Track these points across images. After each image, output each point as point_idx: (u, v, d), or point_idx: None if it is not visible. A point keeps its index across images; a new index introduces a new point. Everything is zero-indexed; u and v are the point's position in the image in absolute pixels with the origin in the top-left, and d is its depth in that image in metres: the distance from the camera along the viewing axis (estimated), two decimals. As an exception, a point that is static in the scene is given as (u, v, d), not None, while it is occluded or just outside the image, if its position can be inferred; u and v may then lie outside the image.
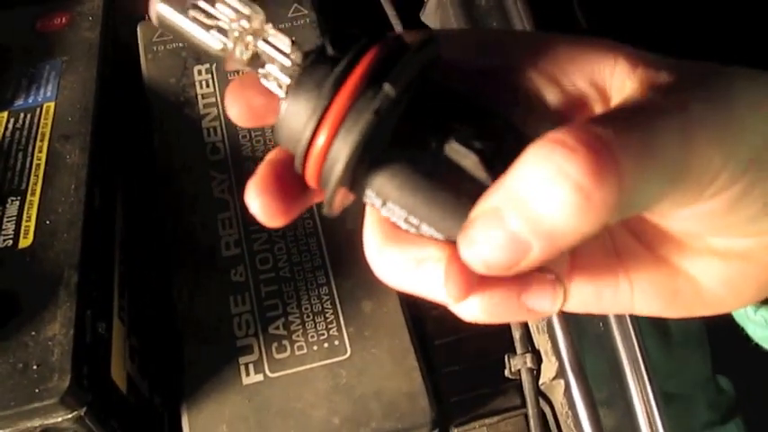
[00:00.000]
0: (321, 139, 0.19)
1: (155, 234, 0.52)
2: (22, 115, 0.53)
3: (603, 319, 0.42)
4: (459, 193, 0.20)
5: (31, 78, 0.55)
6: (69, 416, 0.38)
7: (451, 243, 0.21)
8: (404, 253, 0.22)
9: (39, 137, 0.51)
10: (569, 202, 0.18)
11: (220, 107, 0.56)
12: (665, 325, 0.50)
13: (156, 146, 0.54)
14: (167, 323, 0.49)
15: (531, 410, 0.44)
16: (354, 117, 0.19)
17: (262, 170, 0.23)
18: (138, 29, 0.61)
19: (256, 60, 0.21)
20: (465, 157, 0.20)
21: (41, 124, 0.52)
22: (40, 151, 0.50)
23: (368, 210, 0.24)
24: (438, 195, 0.20)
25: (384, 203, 0.21)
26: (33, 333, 0.40)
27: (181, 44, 0.59)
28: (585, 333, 0.42)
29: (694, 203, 0.22)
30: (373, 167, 0.20)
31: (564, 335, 0.42)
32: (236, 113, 0.23)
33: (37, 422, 0.38)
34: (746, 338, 0.32)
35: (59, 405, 0.37)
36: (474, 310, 0.22)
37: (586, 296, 0.25)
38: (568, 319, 0.42)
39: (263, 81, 0.21)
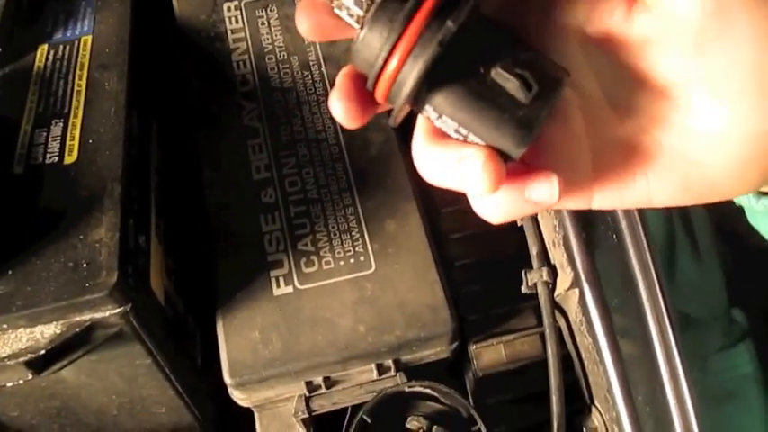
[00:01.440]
0: (393, 64, 0.24)
1: (188, 162, 0.55)
2: (61, 47, 0.55)
3: (617, 231, 0.44)
4: (502, 110, 0.24)
5: (67, 14, 0.58)
6: (116, 311, 0.41)
7: (490, 147, 0.25)
8: (448, 152, 0.26)
9: (78, 66, 0.53)
10: None
11: (249, 41, 0.59)
12: (699, 251, 0.52)
13: (188, 78, 0.57)
14: (201, 242, 0.52)
15: (546, 321, 0.46)
16: (422, 46, 0.23)
17: (340, 81, 0.26)
18: (169, -32, 0.63)
19: None
20: (507, 81, 0.24)
21: (80, 55, 0.54)
22: (80, 79, 0.52)
23: (419, 120, 0.27)
24: (485, 112, 0.25)
25: (440, 117, 0.25)
26: (81, 236, 0.42)
27: (210, -17, 0.61)
28: (599, 246, 0.44)
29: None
30: (433, 88, 0.25)
31: (578, 246, 0.44)
32: (306, 29, 0.27)
33: (87, 315, 0.41)
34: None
35: (107, 299, 0.40)
36: (491, 205, 0.27)
37: (609, 194, 0.28)
38: (583, 232, 0.44)
39: (336, 11, 0.25)
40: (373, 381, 0.49)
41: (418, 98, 0.25)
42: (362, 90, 0.26)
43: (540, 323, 0.51)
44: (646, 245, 0.43)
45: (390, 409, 0.44)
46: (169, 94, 0.59)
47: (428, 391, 0.46)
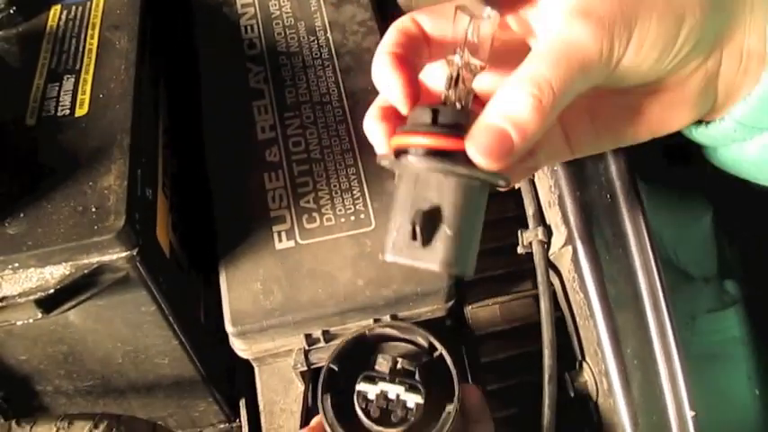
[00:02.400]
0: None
1: (195, 122, 0.56)
2: (73, 8, 0.56)
3: (611, 192, 0.45)
4: None
5: (80, -23, 0.59)
6: (123, 254, 0.42)
7: None
8: None
9: (90, 26, 0.55)
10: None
11: (257, 7, 0.60)
12: (703, 220, 0.53)
13: (198, 41, 0.58)
14: (206, 200, 0.53)
15: (540, 278, 0.47)
16: None
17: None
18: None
19: None
20: None
21: (92, 15, 0.56)
22: (92, 38, 0.54)
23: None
24: None
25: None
26: (91, 183, 0.44)
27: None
28: (593, 206, 0.45)
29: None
30: None
31: (573, 205, 0.45)
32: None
33: (94, 258, 0.42)
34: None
35: (114, 241, 0.41)
36: None
37: (584, 150, 0.35)
38: (578, 192, 0.46)
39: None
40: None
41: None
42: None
43: (536, 286, 0.52)
44: (638, 204, 0.44)
45: (357, 354, 0.45)
46: (179, 56, 0.61)
47: (388, 330, 0.47)
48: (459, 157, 0.29)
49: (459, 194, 0.30)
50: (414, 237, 0.29)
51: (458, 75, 0.31)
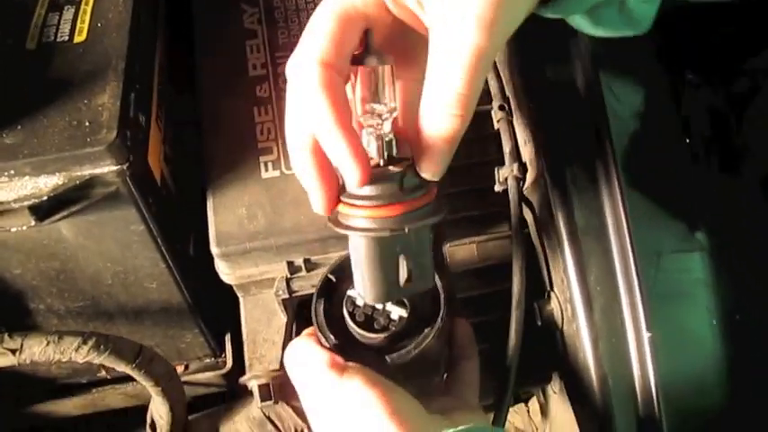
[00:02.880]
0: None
1: (190, 60, 0.58)
2: (76, -54, 0.58)
3: (582, 128, 0.47)
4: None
5: None
6: (114, 168, 0.44)
7: None
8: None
9: (91, -38, 0.57)
10: None
11: (253, -48, 0.62)
12: None
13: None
14: (196, 131, 0.55)
15: (513, 211, 0.49)
16: None
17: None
18: None
19: None
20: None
21: (94, -48, 0.57)
22: (93, -27, 0.56)
23: None
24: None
25: None
26: (86, 101, 0.46)
27: None
28: (565, 141, 0.47)
29: None
30: None
31: (546, 140, 0.47)
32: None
33: (87, 171, 0.44)
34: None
35: (106, 153, 0.44)
36: None
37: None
38: (550, 128, 0.48)
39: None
40: (351, 266, 0.52)
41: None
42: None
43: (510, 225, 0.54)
44: (608, 142, 0.46)
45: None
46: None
47: None
48: (410, 215, 0.35)
49: (420, 240, 0.37)
50: (395, 282, 0.37)
51: (380, 140, 0.36)
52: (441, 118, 0.33)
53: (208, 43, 0.57)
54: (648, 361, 0.42)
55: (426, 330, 0.42)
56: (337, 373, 0.38)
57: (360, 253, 0.37)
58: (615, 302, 0.44)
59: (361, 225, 0.35)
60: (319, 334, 0.42)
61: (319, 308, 0.43)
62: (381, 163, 0.36)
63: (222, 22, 0.58)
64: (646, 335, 0.42)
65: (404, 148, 0.36)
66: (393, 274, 0.37)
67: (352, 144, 0.33)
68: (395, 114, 0.37)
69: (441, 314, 0.42)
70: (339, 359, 0.39)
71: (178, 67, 0.62)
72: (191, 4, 0.61)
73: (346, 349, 0.41)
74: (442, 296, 0.43)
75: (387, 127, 0.36)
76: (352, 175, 0.34)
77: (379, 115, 0.36)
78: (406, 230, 0.35)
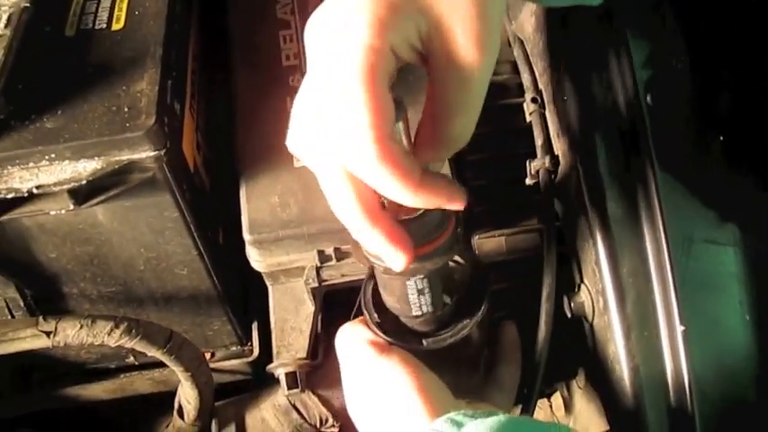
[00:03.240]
0: None
1: (225, 50, 0.59)
2: (113, -64, 0.59)
3: (618, 121, 0.46)
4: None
5: None
6: (152, 154, 0.45)
7: None
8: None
9: (128, -48, 0.57)
10: None
11: (287, -56, 0.62)
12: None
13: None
14: (227, 121, 0.56)
15: (544, 203, 0.49)
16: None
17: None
18: None
19: None
20: None
21: (131, -57, 0.58)
22: (130, -38, 0.56)
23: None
24: None
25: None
26: (124, 87, 0.47)
27: None
28: (599, 134, 0.47)
29: None
30: None
31: (580, 133, 0.47)
32: None
33: (125, 155, 0.45)
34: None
35: (144, 138, 0.44)
36: None
37: None
38: (584, 121, 0.47)
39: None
40: (381, 256, 0.53)
41: None
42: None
43: (542, 222, 0.54)
44: (644, 130, 0.46)
45: None
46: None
47: None
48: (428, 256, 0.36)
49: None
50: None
51: None
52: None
53: (241, 34, 0.58)
54: (682, 354, 0.42)
55: (465, 321, 0.42)
56: (377, 350, 0.40)
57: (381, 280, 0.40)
58: (648, 294, 0.44)
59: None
60: (366, 313, 0.43)
61: (368, 288, 0.44)
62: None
63: (256, 12, 0.59)
64: (679, 328, 0.42)
65: None
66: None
67: (391, 235, 0.33)
68: None
69: (482, 308, 0.42)
70: (380, 339, 0.41)
71: (210, 57, 0.62)
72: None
73: (388, 329, 0.41)
74: (487, 291, 0.43)
75: None
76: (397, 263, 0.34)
77: None
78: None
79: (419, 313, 0.39)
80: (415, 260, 0.34)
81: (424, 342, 0.41)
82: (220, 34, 0.61)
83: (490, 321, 0.46)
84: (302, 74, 0.55)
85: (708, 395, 0.42)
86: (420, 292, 0.38)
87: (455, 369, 0.42)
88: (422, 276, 0.37)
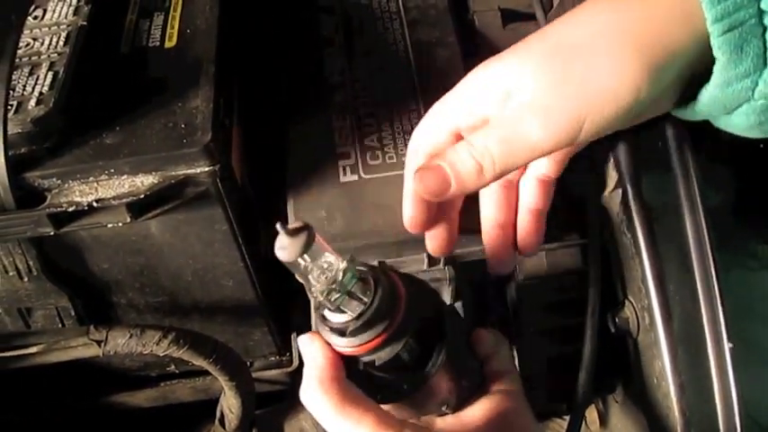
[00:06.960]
0: None
1: (269, 64, 0.60)
2: (162, -46, 0.61)
3: (662, 138, 0.47)
4: None
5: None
6: (207, 169, 0.46)
7: None
8: None
9: (177, -29, 0.59)
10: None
11: (330, -39, 0.64)
12: None
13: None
14: (276, 134, 0.57)
15: (590, 220, 0.50)
16: None
17: None
18: None
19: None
20: None
21: (181, -39, 0.60)
22: (179, -19, 0.58)
23: None
24: None
25: None
26: (180, 104, 0.48)
27: None
28: (644, 150, 0.48)
29: None
30: None
31: (625, 148, 0.48)
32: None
33: (181, 171, 0.46)
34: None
35: (200, 154, 0.45)
36: None
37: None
38: (631, 135, 0.48)
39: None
40: (423, 271, 0.53)
41: None
42: None
43: (583, 237, 0.55)
44: (689, 152, 0.47)
45: None
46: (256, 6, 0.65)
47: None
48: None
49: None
50: None
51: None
52: (465, 154, 0.38)
53: (286, 51, 0.59)
54: (729, 372, 0.43)
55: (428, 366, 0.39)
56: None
57: None
58: (695, 311, 0.44)
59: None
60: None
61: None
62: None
63: (300, 30, 0.60)
64: (727, 345, 0.43)
65: None
66: None
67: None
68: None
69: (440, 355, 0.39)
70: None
71: (253, 74, 0.64)
72: (267, 11, 0.63)
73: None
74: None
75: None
76: None
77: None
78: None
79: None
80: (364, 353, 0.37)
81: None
82: (262, 47, 0.63)
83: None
84: (346, 90, 0.56)
85: (755, 415, 0.42)
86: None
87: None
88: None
